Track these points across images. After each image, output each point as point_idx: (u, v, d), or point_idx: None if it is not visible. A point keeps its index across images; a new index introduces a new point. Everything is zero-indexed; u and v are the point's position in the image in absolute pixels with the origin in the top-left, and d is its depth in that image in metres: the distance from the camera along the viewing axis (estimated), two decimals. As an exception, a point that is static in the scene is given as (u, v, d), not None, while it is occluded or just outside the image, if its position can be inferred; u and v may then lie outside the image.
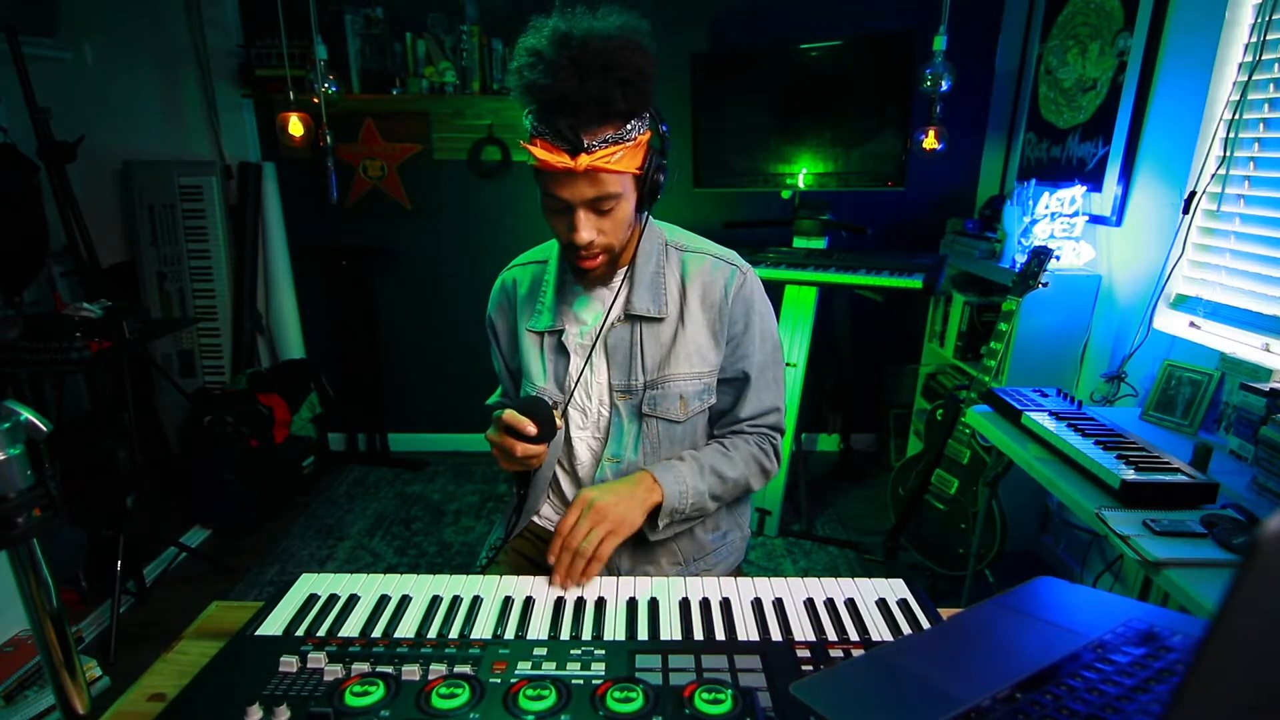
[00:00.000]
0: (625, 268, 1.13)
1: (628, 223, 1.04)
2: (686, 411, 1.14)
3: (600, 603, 0.88)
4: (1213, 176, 1.87)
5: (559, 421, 1.04)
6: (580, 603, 0.88)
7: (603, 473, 1.15)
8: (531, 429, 0.97)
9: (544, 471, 1.19)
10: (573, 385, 1.14)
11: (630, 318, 1.12)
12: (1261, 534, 0.32)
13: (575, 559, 0.95)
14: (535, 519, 1.26)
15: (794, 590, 0.91)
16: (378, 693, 0.69)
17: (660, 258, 1.14)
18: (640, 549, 1.17)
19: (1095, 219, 2.34)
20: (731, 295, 1.12)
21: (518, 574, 0.97)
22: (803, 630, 0.83)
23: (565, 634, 0.82)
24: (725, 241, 1.21)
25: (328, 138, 2.52)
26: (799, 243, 2.82)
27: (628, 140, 0.96)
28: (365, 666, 0.74)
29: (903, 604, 0.89)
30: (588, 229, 1.00)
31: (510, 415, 0.97)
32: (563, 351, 1.15)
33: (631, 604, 0.87)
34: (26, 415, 0.62)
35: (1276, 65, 1.73)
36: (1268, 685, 0.34)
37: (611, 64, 0.91)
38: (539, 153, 0.94)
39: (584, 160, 0.93)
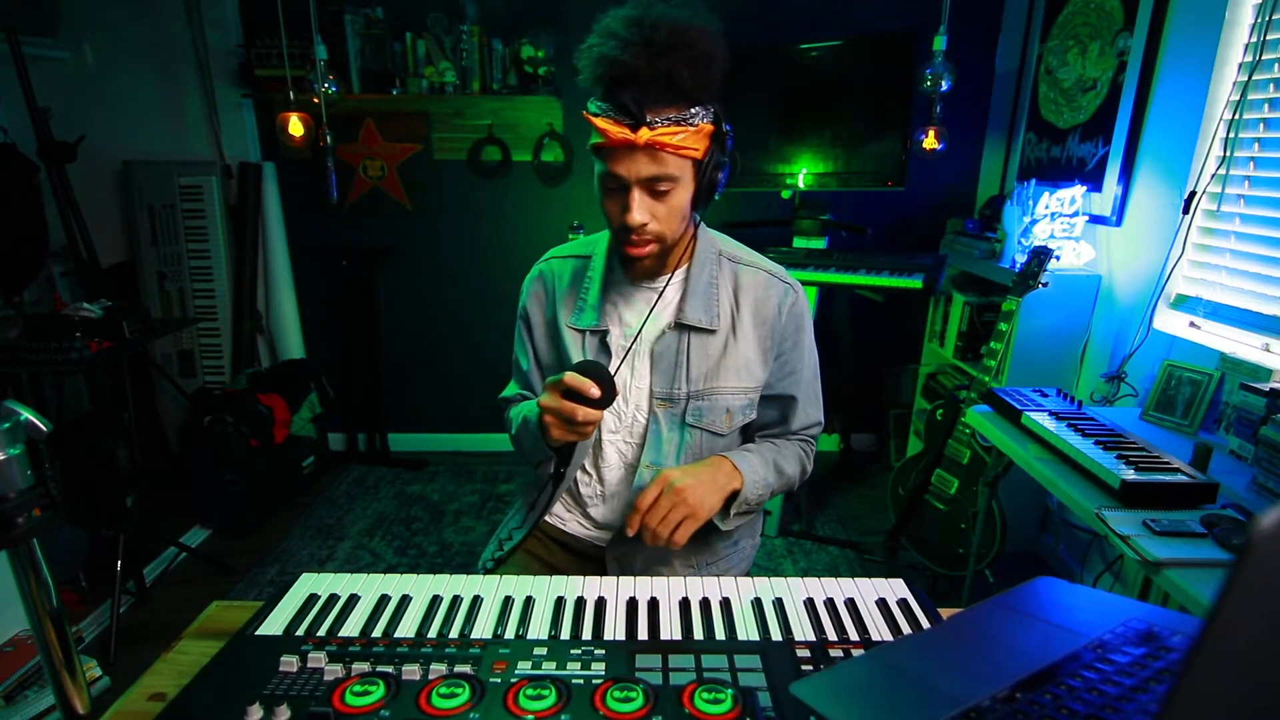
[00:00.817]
0: (674, 272, 1.12)
1: (682, 214, 1.02)
2: (731, 425, 1.14)
3: (600, 603, 0.88)
4: (1213, 176, 1.87)
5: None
6: (580, 603, 0.88)
7: (640, 479, 1.14)
8: (595, 391, 0.93)
9: (578, 458, 1.17)
10: None
11: (680, 326, 1.11)
12: (1255, 530, 0.32)
13: (653, 539, 0.97)
14: (546, 518, 1.25)
15: (794, 590, 0.91)
16: (378, 692, 0.69)
17: (714, 268, 1.13)
18: (656, 551, 1.17)
19: (1095, 219, 2.34)
20: (785, 313, 1.13)
21: (525, 573, 0.96)
22: (803, 630, 0.83)
23: (565, 634, 0.81)
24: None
25: (328, 138, 2.52)
26: (799, 243, 2.82)
27: (690, 124, 0.95)
28: (365, 666, 0.74)
29: (903, 604, 0.89)
30: (641, 211, 0.98)
31: (572, 377, 0.93)
32: (605, 352, 1.13)
33: (631, 604, 0.87)
34: (26, 415, 0.62)
35: (1276, 65, 1.73)
36: (1263, 685, 0.34)
37: (681, 43, 0.92)
38: (601, 124, 0.95)
39: (645, 134, 0.93)
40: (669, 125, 0.94)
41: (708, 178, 1.00)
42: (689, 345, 1.11)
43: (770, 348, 1.13)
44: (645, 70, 0.91)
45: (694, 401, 1.11)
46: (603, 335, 1.13)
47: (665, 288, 1.11)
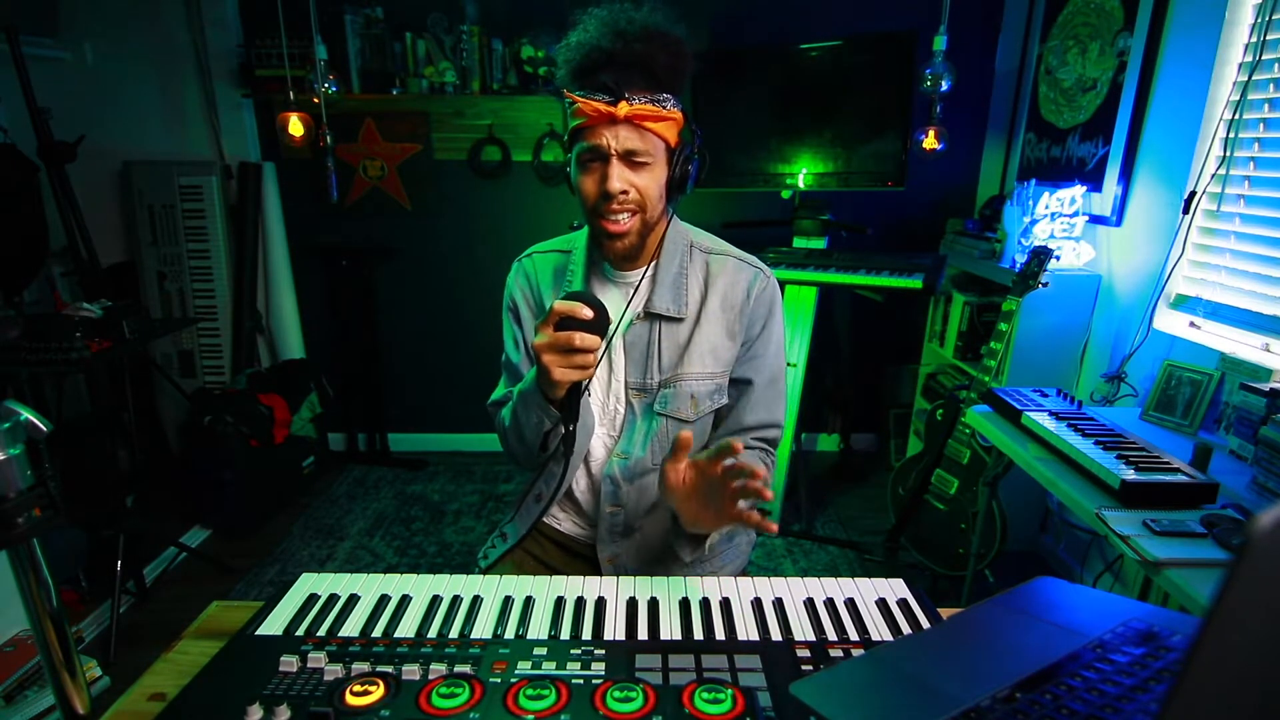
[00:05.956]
0: (649, 265, 1.13)
1: (658, 194, 1.05)
2: (697, 411, 1.13)
3: (600, 603, 0.88)
4: (1213, 176, 1.87)
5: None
6: (580, 603, 0.88)
7: (610, 468, 1.15)
8: (586, 312, 0.92)
9: (579, 449, 1.15)
10: (588, 381, 1.13)
11: (649, 316, 1.12)
12: (1253, 529, 0.32)
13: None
14: (544, 518, 1.25)
15: (794, 590, 0.91)
16: (378, 692, 0.69)
17: (684, 258, 1.14)
18: (646, 549, 1.17)
19: (1095, 219, 2.34)
20: (753, 296, 1.13)
21: (521, 572, 0.96)
22: (803, 630, 0.83)
23: (565, 634, 0.82)
24: (726, 241, 1.22)
25: (328, 138, 2.52)
26: (799, 243, 2.82)
27: (664, 107, 1.00)
28: (365, 666, 0.74)
29: (903, 604, 0.89)
30: (620, 179, 1.01)
31: (561, 303, 0.93)
32: None
33: (631, 604, 0.87)
34: (26, 415, 0.62)
35: (1276, 65, 1.73)
36: (1263, 683, 0.34)
37: (653, 33, 0.99)
38: (581, 102, 0.99)
39: (624, 108, 0.97)
40: (645, 104, 0.99)
41: (679, 168, 1.05)
42: (660, 335, 1.13)
43: (738, 331, 1.13)
44: (623, 54, 0.98)
45: (663, 389, 1.13)
46: None
47: (640, 281, 1.13)
